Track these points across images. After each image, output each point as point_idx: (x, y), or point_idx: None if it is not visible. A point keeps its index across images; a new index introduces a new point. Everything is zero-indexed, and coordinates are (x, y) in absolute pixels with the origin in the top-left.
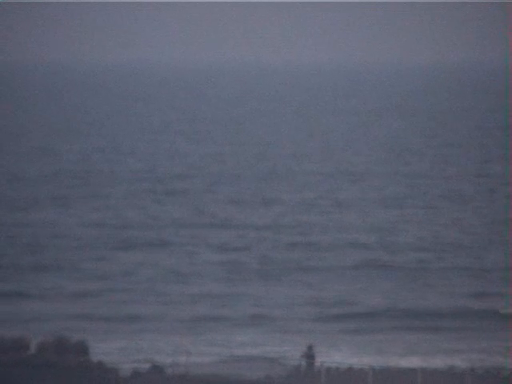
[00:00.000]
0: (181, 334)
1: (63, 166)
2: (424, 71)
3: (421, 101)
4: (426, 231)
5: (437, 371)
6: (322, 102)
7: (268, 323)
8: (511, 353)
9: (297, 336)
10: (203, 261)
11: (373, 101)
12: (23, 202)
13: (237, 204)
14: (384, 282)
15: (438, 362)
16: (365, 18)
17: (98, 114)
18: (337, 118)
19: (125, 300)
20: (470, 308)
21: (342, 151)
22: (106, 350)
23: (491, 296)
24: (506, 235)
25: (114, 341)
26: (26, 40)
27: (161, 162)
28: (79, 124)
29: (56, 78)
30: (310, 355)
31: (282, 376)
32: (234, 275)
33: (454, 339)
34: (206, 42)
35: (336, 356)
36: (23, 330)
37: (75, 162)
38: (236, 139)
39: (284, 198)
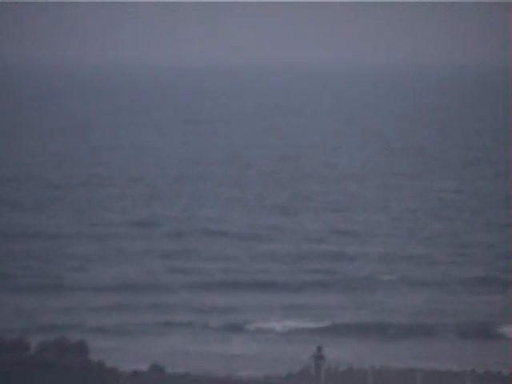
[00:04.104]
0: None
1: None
2: (423, 72)
3: (418, 102)
4: None
5: (437, 371)
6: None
7: None
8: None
9: None
10: None
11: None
12: None
13: None
14: None
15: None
16: (364, 18)
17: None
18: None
19: None
20: None
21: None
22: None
23: None
24: None
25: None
26: (26, 40)
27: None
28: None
29: (56, 79)
30: (319, 356)
31: (281, 376)
32: None
33: None
34: (204, 43)
35: None
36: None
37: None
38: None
39: None
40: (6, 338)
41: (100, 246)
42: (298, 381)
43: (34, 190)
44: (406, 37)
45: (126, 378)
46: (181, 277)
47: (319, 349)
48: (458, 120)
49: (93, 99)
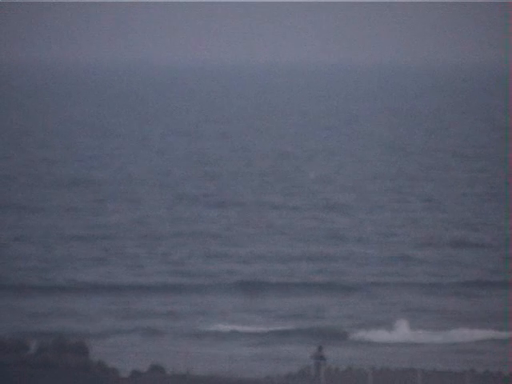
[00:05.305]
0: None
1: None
2: (423, 72)
3: (419, 102)
4: None
5: (437, 371)
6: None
7: None
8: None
9: None
10: None
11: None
12: None
13: None
14: None
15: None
16: (363, 18)
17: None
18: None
19: None
20: None
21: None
22: None
23: None
24: None
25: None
26: (26, 40)
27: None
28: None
29: (56, 78)
30: (319, 356)
31: (281, 376)
32: None
33: None
34: (203, 43)
35: None
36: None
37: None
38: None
39: None
40: (5, 338)
41: (98, 246)
42: (297, 381)
43: (28, 189)
44: (406, 37)
45: (126, 378)
46: (166, 278)
47: (320, 349)
48: (457, 120)
49: (96, 99)
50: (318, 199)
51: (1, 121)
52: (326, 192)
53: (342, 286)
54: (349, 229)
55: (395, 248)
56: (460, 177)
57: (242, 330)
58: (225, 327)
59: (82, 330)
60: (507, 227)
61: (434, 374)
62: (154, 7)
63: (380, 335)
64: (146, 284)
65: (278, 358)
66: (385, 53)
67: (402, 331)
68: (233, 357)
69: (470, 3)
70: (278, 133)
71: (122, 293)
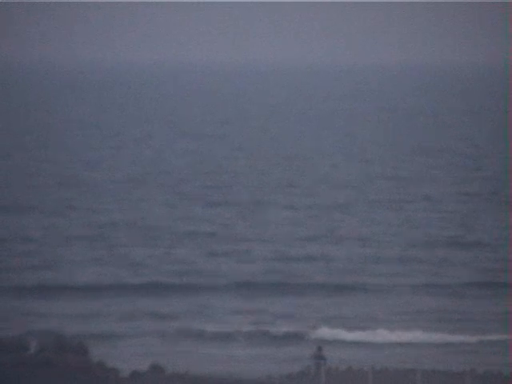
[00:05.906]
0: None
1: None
2: (422, 72)
3: (420, 102)
4: None
5: (436, 371)
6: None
7: None
8: (511, 353)
9: None
10: None
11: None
12: None
13: None
14: None
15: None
16: (363, 17)
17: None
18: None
19: None
20: None
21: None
22: None
23: None
24: None
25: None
26: (27, 40)
27: None
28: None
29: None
30: (319, 356)
31: (282, 376)
32: None
33: None
34: (203, 43)
35: None
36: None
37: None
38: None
39: None
40: (5, 338)
41: (98, 246)
42: (298, 381)
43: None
44: (406, 37)
45: (126, 377)
46: (166, 277)
47: (319, 349)
48: (457, 120)
49: (96, 99)
50: (318, 199)
51: (1, 120)
52: (326, 192)
53: (341, 286)
54: (348, 228)
55: (395, 248)
56: (459, 176)
57: (241, 330)
58: (226, 327)
59: (82, 330)
60: (507, 227)
61: (434, 374)
62: (154, 7)
63: (379, 335)
64: (146, 284)
65: (278, 358)
66: (384, 53)
67: (400, 331)
68: (233, 357)
69: (469, 3)
70: (278, 132)
71: (122, 293)
